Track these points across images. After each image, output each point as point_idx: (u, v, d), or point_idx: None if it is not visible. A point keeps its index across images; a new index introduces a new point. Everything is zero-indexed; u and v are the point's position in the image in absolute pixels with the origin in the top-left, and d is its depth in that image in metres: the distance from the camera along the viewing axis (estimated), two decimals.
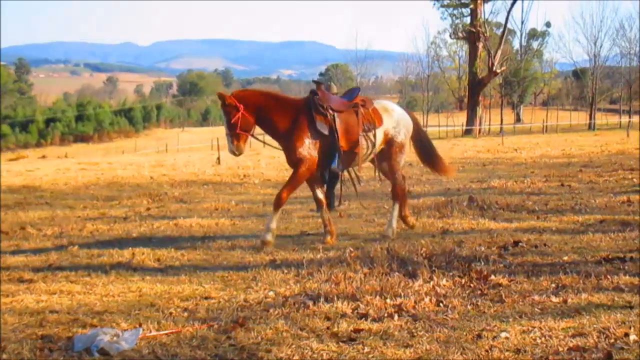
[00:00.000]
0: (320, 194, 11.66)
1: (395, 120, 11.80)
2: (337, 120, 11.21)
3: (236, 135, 10.96)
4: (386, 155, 11.89)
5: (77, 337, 6.70)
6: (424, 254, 9.65)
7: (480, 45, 71.11)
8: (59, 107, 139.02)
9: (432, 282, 8.36)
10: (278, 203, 11.25)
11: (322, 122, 11.12)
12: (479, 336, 6.51)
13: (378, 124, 11.54)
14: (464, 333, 6.61)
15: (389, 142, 11.74)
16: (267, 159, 31.46)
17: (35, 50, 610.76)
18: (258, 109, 11.13)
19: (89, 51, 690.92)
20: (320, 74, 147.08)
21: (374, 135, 11.46)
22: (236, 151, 11.05)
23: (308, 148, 11.08)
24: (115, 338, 6.52)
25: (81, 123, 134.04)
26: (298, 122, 11.12)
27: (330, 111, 11.21)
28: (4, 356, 6.40)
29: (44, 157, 69.54)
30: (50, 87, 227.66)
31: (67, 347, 6.58)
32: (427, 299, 7.66)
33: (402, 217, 12.16)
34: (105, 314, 7.63)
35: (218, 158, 29.19)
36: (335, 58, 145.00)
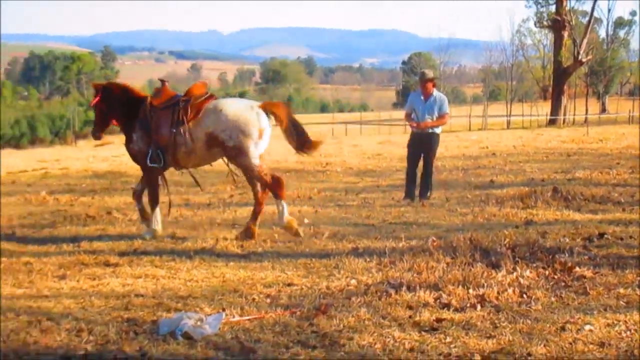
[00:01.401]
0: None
1: (224, 123, 10.86)
2: (153, 116, 11.23)
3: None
4: (229, 159, 11.48)
5: (162, 320, 6.80)
6: (507, 245, 9.59)
7: (566, 33, 70.05)
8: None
9: (515, 273, 8.29)
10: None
11: (141, 118, 11.30)
12: (563, 328, 6.45)
13: (193, 123, 11.02)
14: (548, 325, 6.56)
15: (220, 145, 11.04)
16: (350, 147, 31.46)
17: (121, 38, 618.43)
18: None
19: (173, 39, 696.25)
20: (403, 63, 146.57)
21: (187, 134, 10.97)
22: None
23: (137, 142, 11.40)
24: (199, 322, 6.60)
25: None
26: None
27: (148, 106, 11.30)
28: (91, 338, 6.52)
29: None
30: (136, 74, 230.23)
31: (152, 330, 6.70)
32: (510, 290, 7.61)
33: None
34: (189, 299, 7.74)
35: None
36: (418, 47, 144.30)
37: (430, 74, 14.65)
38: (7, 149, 71.31)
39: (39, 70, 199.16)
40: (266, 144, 11.23)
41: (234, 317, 6.99)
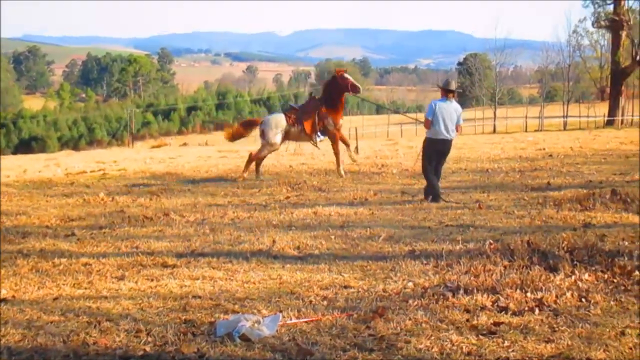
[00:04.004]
0: None
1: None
2: None
3: None
4: None
5: (220, 322, 6.85)
6: (565, 248, 9.51)
7: (624, 33, 69.31)
8: (200, 96, 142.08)
9: (573, 277, 8.23)
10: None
11: None
12: (623, 333, 6.39)
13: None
14: (607, 330, 6.50)
15: None
16: (405, 148, 31.40)
17: (177, 40, 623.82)
18: None
19: (230, 41, 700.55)
20: (459, 63, 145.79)
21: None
22: None
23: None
24: (256, 324, 6.63)
25: (221, 111, 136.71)
26: None
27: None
28: (149, 339, 6.59)
29: (185, 144, 71.11)
30: (192, 76, 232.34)
31: (210, 332, 6.75)
32: (568, 294, 7.55)
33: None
34: (246, 300, 7.78)
35: (356, 147, 29.19)
36: (474, 47, 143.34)
37: (452, 84, 15.53)
38: (66, 150, 72.28)
39: (97, 72, 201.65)
40: None
41: (290, 319, 7.02)
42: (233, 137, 21.61)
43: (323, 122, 19.60)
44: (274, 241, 10.86)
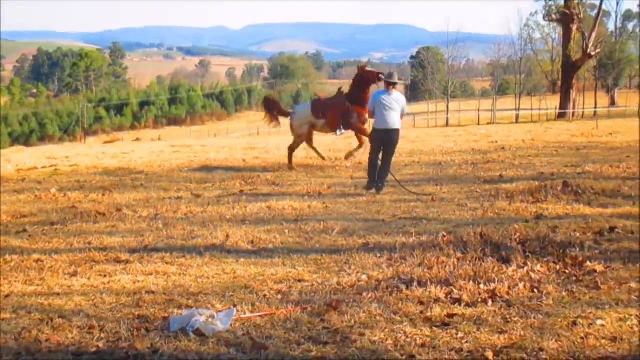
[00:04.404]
0: None
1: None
2: None
3: None
4: None
5: (174, 317, 6.82)
6: (517, 239, 9.58)
7: (575, 27, 69.86)
8: (153, 91, 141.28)
9: (526, 268, 8.30)
10: None
11: None
12: (575, 323, 6.45)
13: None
14: (559, 320, 6.56)
15: None
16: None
17: (129, 34, 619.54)
18: None
19: (181, 35, 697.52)
20: (412, 57, 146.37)
21: None
22: None
23: None
24: (210, 319, 6.61)
25: (174, 106, 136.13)
26: None
27: None
28: (102, 335, 6.54)
29: (138, 139, 70.65)
30: (144, 70, 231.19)
31: (164, 327, 6.72)
32: (521, 285, 7.61)
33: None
34: (200, 295, 7.77)
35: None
36: (427, 41, 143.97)
37: (395, 77, 16.25)
38: (17, 146, 71.49)
39: (48, 67, 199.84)
40: None
41: (245, 313, 7.01)
42: (272, 119, 22.37)
43: (347, 117, 20.07)
44: (227, 236, 10.83)
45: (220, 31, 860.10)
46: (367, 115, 19.56)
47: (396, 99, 15.57)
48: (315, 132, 21.30)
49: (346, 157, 21.01)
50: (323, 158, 21.20)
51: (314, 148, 21.36)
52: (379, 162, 15.64)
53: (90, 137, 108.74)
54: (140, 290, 8.04)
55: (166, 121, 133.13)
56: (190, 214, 13.32)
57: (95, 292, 8.00)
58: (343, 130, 20.59)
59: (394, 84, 15.92)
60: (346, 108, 20.07)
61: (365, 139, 19.46)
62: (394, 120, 15.47)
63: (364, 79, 20.05)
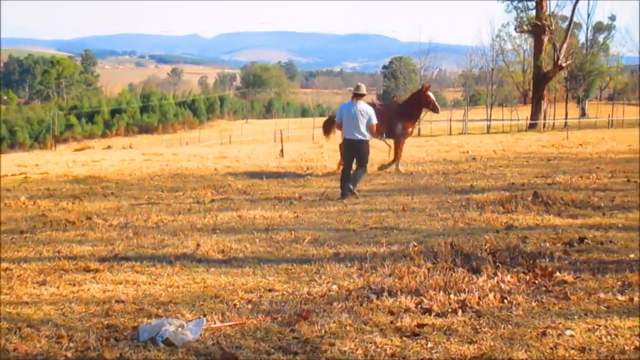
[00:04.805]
0: None
1: None
2: None
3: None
4: None
5: (143, 327, 6.78)
6: (488, 250, 9.63)
7: (546, 38, 70.37)
8: (124, 99, 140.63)
9: (496, 278, 8.33)
10: None
11: None
12: (544, 334, 6.47)
13: None
14: (529, 330, 6.58)
15: None
16: (330, 151, 31.42)
17: (101, 41, 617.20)
18: None
19: (154, 43, 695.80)
20: (384, 67, 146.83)
21: None
22: None
23: None
24: (180, 329, 6.58)
25: (146, 114, 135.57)
26: None
27: None
28: (71, 344, 6.49)
29: (109, 147, 70.43)
30: (116, 78, 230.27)
31: (133, 336, 6.68)
32: (491, 295, 7.64)
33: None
34: (170, 305, 7.72)
35: (281, 150, 29.20)
36: (400, 51, 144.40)
37: (362, 88, 16.79)
38: None
39: (19, 74, 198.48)
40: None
41: (215, 323, 6.98)
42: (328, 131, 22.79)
43: (393, 126, 20.68)
44: (198, 245, 10.80)
45: (193, 39, 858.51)
46: (410, 130, 21.18)
47: (362, 110, 15.99)
48: None
49: (382, 167, 21.31)
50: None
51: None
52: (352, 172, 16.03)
53: (60, 144, 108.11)
54: (110, 299, 7.99)
55: (138, 129, 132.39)
56: (161, 222, 13.27)
57: (64, 301, 7.93)
58: (385, 138, 21.15)
59: (360, 96, 16.35)
60: (395, 118, 20.67)
61: (399, 153, 20.86)
62: (359, 130, 15.94)
63: (422, 99, 21.02)
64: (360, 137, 15.98)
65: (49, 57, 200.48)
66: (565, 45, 70.33)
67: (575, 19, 77.47)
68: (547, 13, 71.08)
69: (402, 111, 21.01)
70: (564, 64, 71.47)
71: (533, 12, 73.52)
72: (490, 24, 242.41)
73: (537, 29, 70.71)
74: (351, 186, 15.81)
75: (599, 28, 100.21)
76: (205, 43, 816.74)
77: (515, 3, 77.58)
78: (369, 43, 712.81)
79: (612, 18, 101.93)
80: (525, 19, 76.38)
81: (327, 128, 22.48)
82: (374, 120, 16.19)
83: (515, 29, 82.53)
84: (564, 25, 78.70)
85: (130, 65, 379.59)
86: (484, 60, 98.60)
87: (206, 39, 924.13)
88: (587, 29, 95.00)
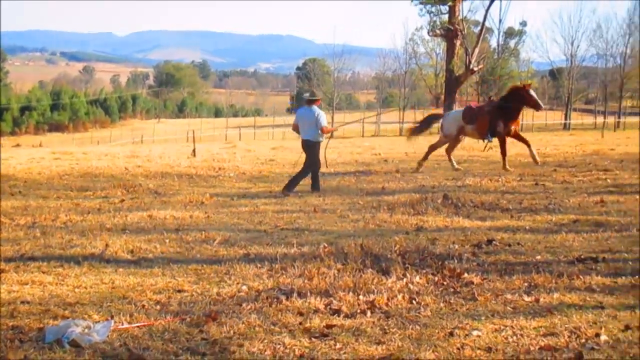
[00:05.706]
0: None
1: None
2: None
3: None
4: None
5: (49, 328, 6.67)
6: (397, 251, 9.67)
7: (458, 42, 70.87)
8: (34, 96, 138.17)
9: (405, 279, 8.37)
10: None
11: None
12: (451, 334, 6.52)
13: None
14: (436, 331, 6.63)
15: None
16: (243, 152, 31.39)
17: (11, 37, 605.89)
18: None
19: (66, 40, 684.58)
20: (298, 68, 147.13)
21: None
22: None
23: None
24: (86, 330, 6.49)
25: (56, 112, 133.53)
26: None
27: None
28: None
29: (18, 145, 69.37)
30: (26, 75, 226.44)
31: (38, 338, 6.55)
32: (399, 296, 7.67)
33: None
34: (77, 306, 7.60)
35: (194, 150, 29.09)
36: (314, 52, 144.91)
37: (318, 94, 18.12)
38: None
39: None
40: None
41: (122, 324, 6.90)
42: (414, 132, 24.69)
43: (495, 125, 21.10)
44: (107, 245, 10.66)
45: (106, 37, 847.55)
46: (513, 127, 21.33)
47: (312, 113, 16.98)
48: (466, 137, 23.56)
49: (534, 160, 22.02)
50: (456, 169, 21.96)
51: (450, 156, 22.63)
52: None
53: None
54: (15, 300, 7.84)
55: (48, 127, 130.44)
56: (69, 222, 13.08)
57: None
58: (491, 139, 21.77)
59: (313, 101, 17.40)
60: (495, 117, 21.10)
61: (523, 140, 21.92)
62: (307, 131, 17.02)
63: (524, 98, 21.13)
64: (307, 137, 17.05)
65: None
66: (477, 50, 70.88)
67: (487, 24, 78.46)
68: (460, 18, 71.84)
69: (502, 109, 21.27)
70: (475, 68, 71.91)
71: (446, 16, 74.31)
72: (404, 26, 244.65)
73: (449, 33, 71.16)
74: (288, 190, 16.58)
75: (510, 33, 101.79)
76: (119, 41, 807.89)
77: (428, 7, 78.41)
78: (283, 44, 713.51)
79: (523, 24, 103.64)
80: (438, 22, 77.13)
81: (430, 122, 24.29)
82: (323, 122, 17.01)
83: (428, 33, 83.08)
84: (477, 30, 79.63)
85: (40, 62, 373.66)
86: (397, 63, 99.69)
87: (120, 37, 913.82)
88: (499, 34, 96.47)
